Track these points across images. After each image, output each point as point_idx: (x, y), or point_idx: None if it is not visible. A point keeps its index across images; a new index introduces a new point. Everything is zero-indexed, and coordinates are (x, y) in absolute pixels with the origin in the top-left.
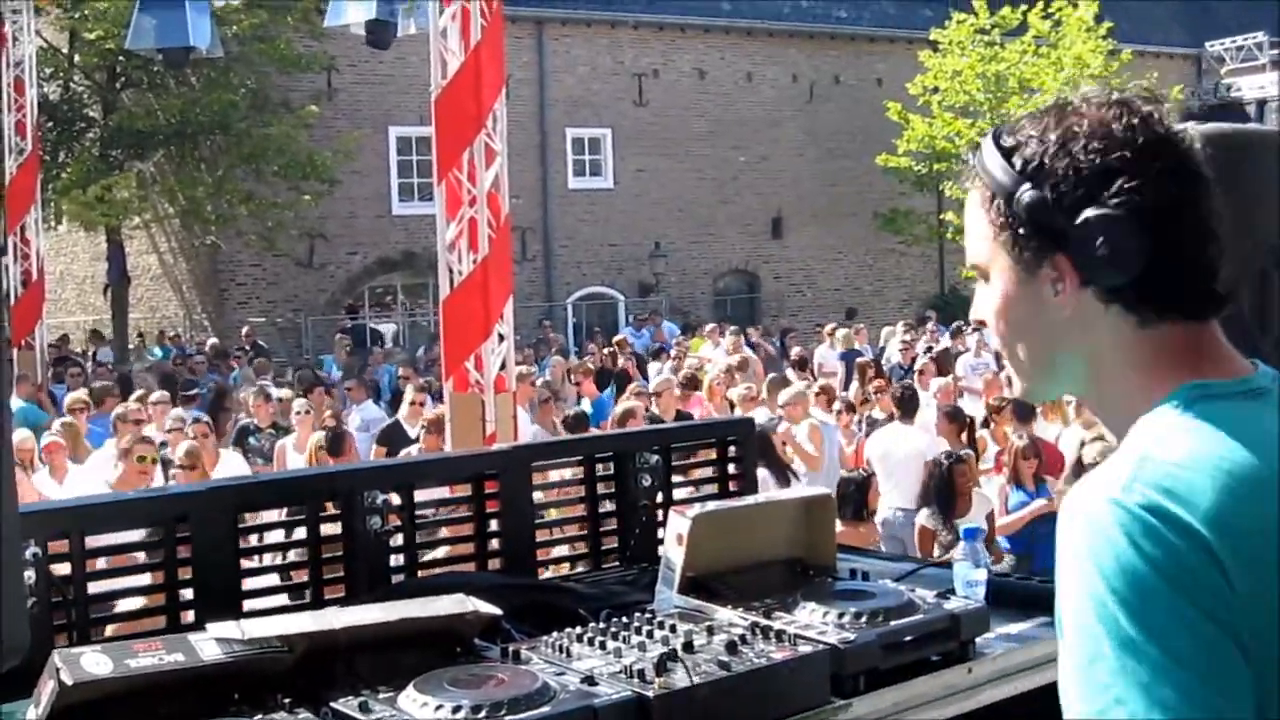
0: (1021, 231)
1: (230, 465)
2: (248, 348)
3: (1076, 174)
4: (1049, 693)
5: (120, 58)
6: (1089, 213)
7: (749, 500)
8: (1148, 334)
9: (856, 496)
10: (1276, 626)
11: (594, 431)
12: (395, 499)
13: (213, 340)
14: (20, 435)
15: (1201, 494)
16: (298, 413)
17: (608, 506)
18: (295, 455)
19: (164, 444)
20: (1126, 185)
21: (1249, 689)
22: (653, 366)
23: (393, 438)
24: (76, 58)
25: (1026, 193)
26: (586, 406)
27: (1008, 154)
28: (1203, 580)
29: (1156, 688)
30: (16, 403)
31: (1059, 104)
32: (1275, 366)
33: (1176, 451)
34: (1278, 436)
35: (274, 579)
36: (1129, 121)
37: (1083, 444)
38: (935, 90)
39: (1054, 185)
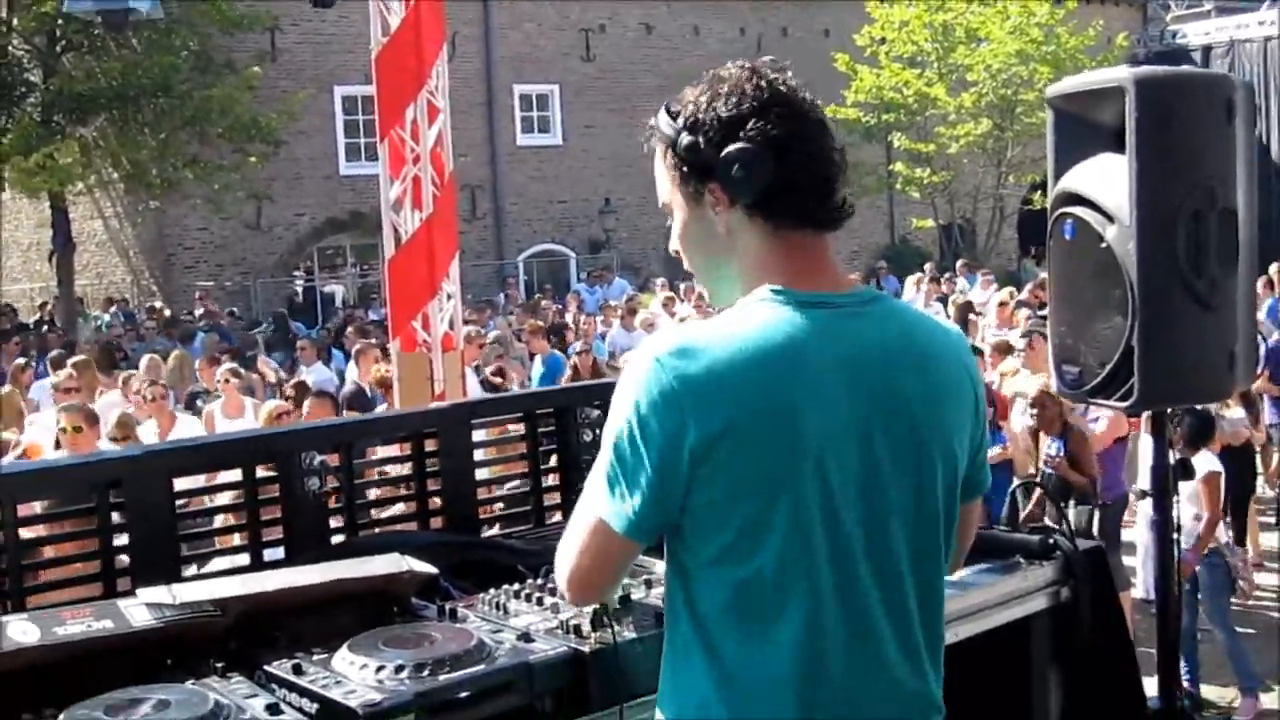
0: (685, 169)
1: (187, 428)
2: (201, 311)
3: (719, 121)
4: (986, 639)
5: (59, 21)
6: (729, 148)
7: None
8: (777, 242)
9: None
10: (712, 442)
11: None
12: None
13: (159, 305)
14: None
15: (698, 358)
16: (220, 380)
17: (549, 462)
18: (223, 420)
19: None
20: (753, 127)
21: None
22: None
23: (360, 403)
24: (15, 21)
25: (684, 138)
26: (539, 364)
27: (674, 115)
28: (668, 408)
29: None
30: None
31: (711, 75)
32: (1210, 305)
33: (708, 328)
34: (789, 333)
35: (211, 542)
36: (757, 83)
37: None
38: (883, 41)
39: (704, 131)
